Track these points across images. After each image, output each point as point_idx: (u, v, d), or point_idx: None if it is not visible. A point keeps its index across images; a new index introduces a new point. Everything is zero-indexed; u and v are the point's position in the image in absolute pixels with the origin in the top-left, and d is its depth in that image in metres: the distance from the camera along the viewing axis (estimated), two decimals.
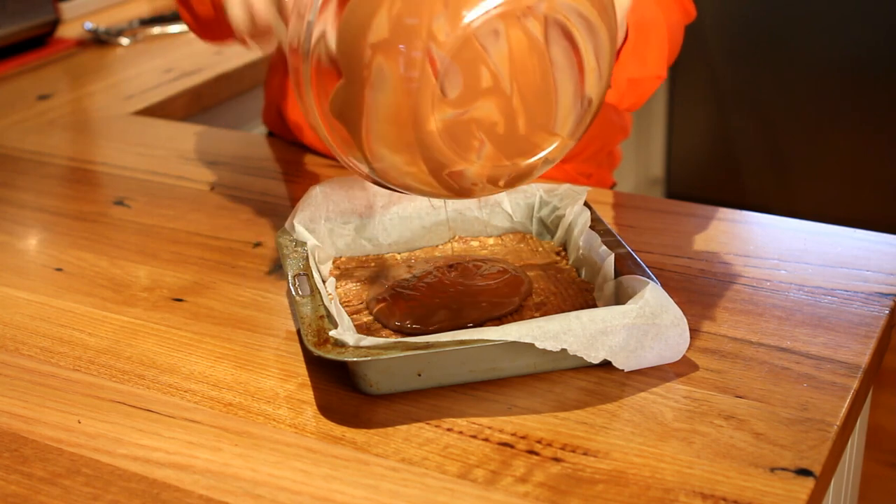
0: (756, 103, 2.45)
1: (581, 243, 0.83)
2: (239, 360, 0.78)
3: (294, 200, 1.05)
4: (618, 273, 0.78)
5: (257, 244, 0.96)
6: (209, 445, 0.69)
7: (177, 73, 1.52)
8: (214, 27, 1.05)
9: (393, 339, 0.70)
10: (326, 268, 0.86)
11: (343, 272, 0.86)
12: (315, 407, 0.72)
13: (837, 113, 2.36)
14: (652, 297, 0.71)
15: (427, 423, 0.70)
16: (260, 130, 1.45)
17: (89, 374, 0.78)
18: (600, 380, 0.73)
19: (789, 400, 0.70)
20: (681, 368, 0.74)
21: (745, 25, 2.40)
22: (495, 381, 0.73)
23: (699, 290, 0.84)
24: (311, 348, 0.69)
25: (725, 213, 0.97)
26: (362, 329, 0.78)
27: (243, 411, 0.72)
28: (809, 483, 0.62)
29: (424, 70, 0.63)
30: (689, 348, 0.74)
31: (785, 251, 0.89)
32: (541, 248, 0.89)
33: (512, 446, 0.67)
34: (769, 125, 2.45)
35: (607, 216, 0.97)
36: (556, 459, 0.66)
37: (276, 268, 0.91)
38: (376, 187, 0.90)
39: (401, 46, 0.63)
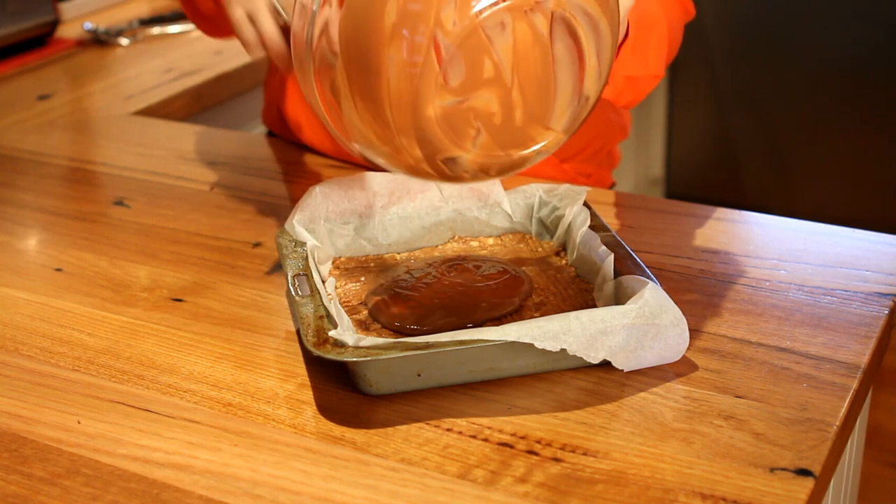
0: (756, 103, 2.45)
1: (580, 243, 0.83)
2: (238, 360, 0.78)
3: (294, 200, 1.05)
4: (617, 273, 0.78)
5: (257, 244, 0.96)
6: (209, 446, 0.69)
7: (176, 73, 1.52)
8: (217, 23, 1.06)
9: (393, 340, 0.70)
10: (326, 268, 0.86)
11: (343, 272, 0.86)
12: (315, 407, 0.72)
13: (837, 113, 2.35)
14: (651, 298, 0.71)
15: (427, 424, 0.70)
16: (260, 130, 1.45)
17: (89, 374, 0.78)
18: (600, 380, 0.73)
19: (789, 400, 0.70)
20: (680, 368, 0.74)
21: (745, 25, 2.40)
22: (495, 381, 0.73)
23: (699, 290, 0.84)
24: (311, 348, 0.69)
25: (725, 213, 0.96)
26: (362, 329, 0.78)
27: (243, 411, 0.72)
28: (809, 483, 0.62)
29: (429, 56, 0.64)
30: (688, 348, 0.74)
31: (785, 251, 0.89)
32: (540, 249, 0.88)
33: (512, 446, 0.67)
34: (769, 125, 2.45)
35: (607, 216, 0.96)
36: (556, 459, 0.66)
37: (276, 268, 0.91)
38: (376, 187, 0.90)
39: (405, 31, 0.63)
